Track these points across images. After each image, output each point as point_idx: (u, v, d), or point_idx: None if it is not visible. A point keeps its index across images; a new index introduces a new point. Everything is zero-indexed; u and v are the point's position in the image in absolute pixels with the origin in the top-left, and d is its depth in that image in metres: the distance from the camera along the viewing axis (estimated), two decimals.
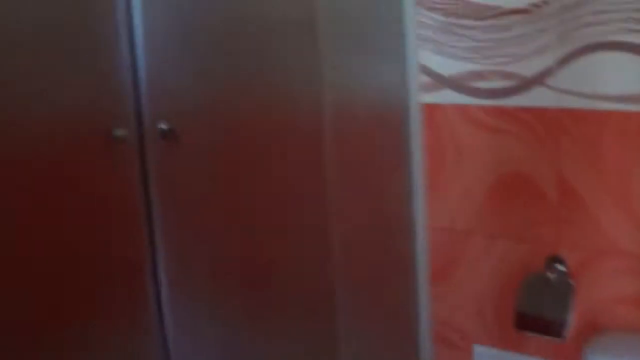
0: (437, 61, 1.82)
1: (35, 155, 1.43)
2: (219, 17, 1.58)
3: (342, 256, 1.64)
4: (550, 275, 1.73)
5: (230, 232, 1.66)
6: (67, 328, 1.49)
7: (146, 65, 1.53)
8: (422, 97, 1.85)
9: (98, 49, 1.49)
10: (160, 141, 1.53)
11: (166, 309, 1.65)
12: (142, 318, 1.64)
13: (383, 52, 1.77)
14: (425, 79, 1.84)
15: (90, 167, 1.50)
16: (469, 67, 1.78)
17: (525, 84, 1.71)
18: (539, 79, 1.69)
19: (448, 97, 1.83)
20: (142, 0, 1.51)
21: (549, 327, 1.70)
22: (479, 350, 1.93)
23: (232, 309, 1.70)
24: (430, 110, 1.86)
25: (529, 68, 1.70)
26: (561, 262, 1.73)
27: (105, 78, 1.50)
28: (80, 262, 1.50)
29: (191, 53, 1.58)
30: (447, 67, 1.81)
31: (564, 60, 1.64)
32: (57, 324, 1.47)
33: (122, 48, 1.51)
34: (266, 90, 1.59)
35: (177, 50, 1.57)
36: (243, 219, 1.65)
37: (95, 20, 1.49)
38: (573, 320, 1.70)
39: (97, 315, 1.54)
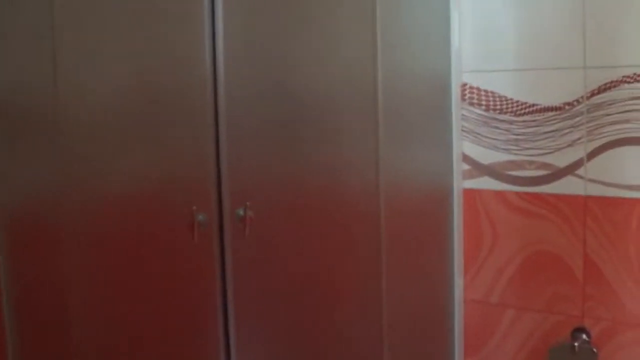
0: (477, 151, 2.01)
1: (122, 229, 1.64)
2: (288, 100, 1.67)
3: (390, 321, 1.77)
4: (576, 345, 1.87)
5: (294, 300, 1.73)
6: None
7: (227, 154, 1.59)
8: (463, 183, 2.05)
9: (188, 139, 1.60)
10: (237, 225, 1.61)
11: None
12: None
13: (431, 141, 1.95)
14: (466, 166, 2.04)
15: (174, 244, 1.62)
16: (506, 157, 1.97)
17: (557, 173, 1.88)
18: (570, 169, 1.85)
19: (486, 183, 2.02)
20: (225, 88, 1.55)
21: None
22: None
23: None
24: (470, 194, 2.04)
25: (562, 159, 1.90)
26: (586, 332, 1.88)
27: (191, 164, 1.61)
28: (165, 326, 1.67)
29: (265, 139, 1.66)
30: (487, 156, 2.00)
31: (593, 153, 1.81)
32: None
33: (210, 142, 1.56)
34: (328, 170, 1.71)
35: (253, 137, 1.64)
36: (306, 287, 1.74)
37: (184, 110, 1.59)
38: None
39: None
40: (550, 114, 1.89)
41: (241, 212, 1.59)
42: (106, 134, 1.65)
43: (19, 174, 1.80)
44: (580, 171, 1.85)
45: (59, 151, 1.68)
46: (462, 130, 1.96)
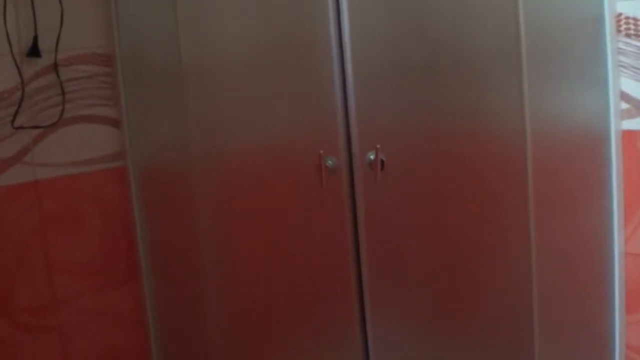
0: (636, 88, 1.87)
1: (250, 174, 1.72)
2: (426, 43, 1.67)
3: (541, 277, 1.75)
4: None
5: (431, 254, 1.74)
6: (289, 331, 1.77)
7: (355, 96, 1.61)
8: (621, 123, 1.92)
9: (314, 83, 1.64)
10: (367, 169, 1.63)
11: (369, 327, 1.72)
12: (347, 334, 1.75)
13: (583, 79, 1.86)
14: (625, 105, 1.90)
15: (302, 191, 1.68)
16: None
17: None
18: None
19: None
20: (351, 33, 1.57)
21: None
22: None
23: (432, 328, 1.79)
24: (630, 136, 1.91)
25: None
26: None
27: (320, 109, 1.64)
28: (295, 277, 1.75)
29: (399, 83, 1.66)
30: None
31: None
32: (280, 327, 1.78)
33: (335, 80, 1.59)
34: (470, 116, 1.70)
35: (385, 80, 1.65)
36: (445, 241, 1.74)
37: (310, 53, 1.64)
38: None
39: (309, 325, 1.77)
40: None
41: (372, 157, 1.59)
42: (233, 84, 1.72)
43: (151, 125, 1.91)
44: None
45: (187, 106, 1.76)
46: (619, 65, 1.83)
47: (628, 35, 1.82)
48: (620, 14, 1.80)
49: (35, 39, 1.83)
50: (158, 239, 1.94)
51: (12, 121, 1.82)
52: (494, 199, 1.70)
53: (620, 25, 1.83)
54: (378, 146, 1.55)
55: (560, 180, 1.78)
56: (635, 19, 1.81)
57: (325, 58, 1.57)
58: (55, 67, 1.86)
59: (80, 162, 1.92)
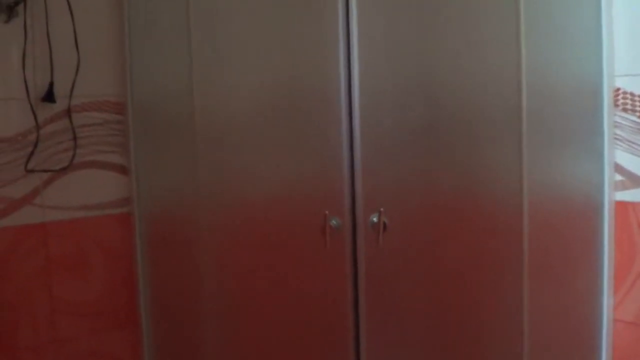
0: (631, 160, 1.93)
1: (255, 231, 1.76)
2: (431, 108, 1.71)
3: (532, 338, 1.80)
4: None
5: (428, 315, 1.77)
6: None
7: (362, 157, 1.67)
8: (615, 194, 1.97)
9: (323, 142, 1.68)
10: (370, 231, 1.67)
11: None
12: None
13: (580, 149, 1.92)
14: (619, 177, 1.97)
15: (306, 248, 1.72)
16: None
17: None
18: None
19: None
20: (360, 93, 1.63)
21: None
22: None
23: None
24: (623, 207, 1.96)
25: None
26: None
27: (327, 169, 1.69)
28: (295, 333, 1.77)
29: (404, 144, 1.71)
30: None
31: None
32: None
33: (343, 140, 1.65)
34: (471, 178, 1.76)
35: (390, 142, 1.70)
36: (442, 302, 1.77)
37: (319, 115, 1.69)
38: None
39: None
40: None
41: (375, 219, 1.65)
42: (241, 140, 1.77)
43: (159, 174, 1.96)
44: None
45: (196, 157, 1.81)
46: (615, 139, 1.90)
47: (625, 110, 1.89)
48: (618, 89, 1.87)
49: (51, 85, 1.88)
50: (160, 286, 1.98)
51: (26, 164, 1.86)
52: (491, 260, 1.76)
53: (617, 100, 1.89)
54: (382, 209, 1.61)
55: (554, 244, 1.83)
56: (632, 94, 1.87)
57: (335, 118, 1.63)
58: (68, 112, 1.91)
59: (87, 206, 1.97)
